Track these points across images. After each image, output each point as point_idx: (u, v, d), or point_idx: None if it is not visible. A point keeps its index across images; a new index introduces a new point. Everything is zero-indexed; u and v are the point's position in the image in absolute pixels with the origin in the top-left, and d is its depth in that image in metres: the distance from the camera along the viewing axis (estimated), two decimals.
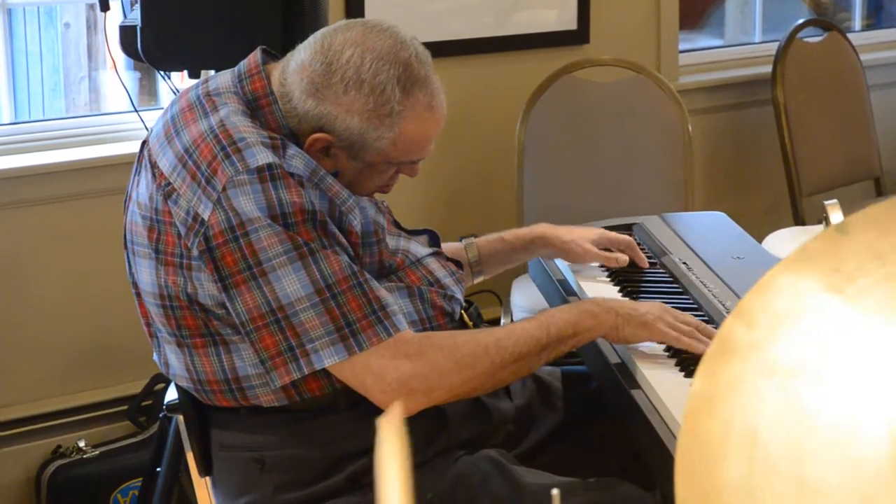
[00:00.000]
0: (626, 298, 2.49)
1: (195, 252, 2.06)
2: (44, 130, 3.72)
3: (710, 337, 2.23)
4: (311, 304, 2.02)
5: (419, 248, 2.29)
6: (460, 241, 2.60)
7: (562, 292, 2.63)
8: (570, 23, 4.25)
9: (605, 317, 2.19)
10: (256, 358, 2.07)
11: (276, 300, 2.02)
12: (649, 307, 2.25)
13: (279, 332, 2.03)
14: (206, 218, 2.04)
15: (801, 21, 4.61)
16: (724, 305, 2.40)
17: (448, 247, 2.52)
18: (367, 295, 2.06)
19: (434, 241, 2.39)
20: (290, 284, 2.02)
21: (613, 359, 2.28)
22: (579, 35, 4.26)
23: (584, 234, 2.63)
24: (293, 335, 2.03)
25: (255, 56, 2.21)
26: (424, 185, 3.93)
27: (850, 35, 4.77)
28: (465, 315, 2.30)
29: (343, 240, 2.09)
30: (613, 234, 2.67)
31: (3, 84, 3.72)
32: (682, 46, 4.57)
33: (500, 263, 2.63)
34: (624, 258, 2.61)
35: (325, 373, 2.08)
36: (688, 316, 2.28)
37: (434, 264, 2.26)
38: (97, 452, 3.62)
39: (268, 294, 2.02)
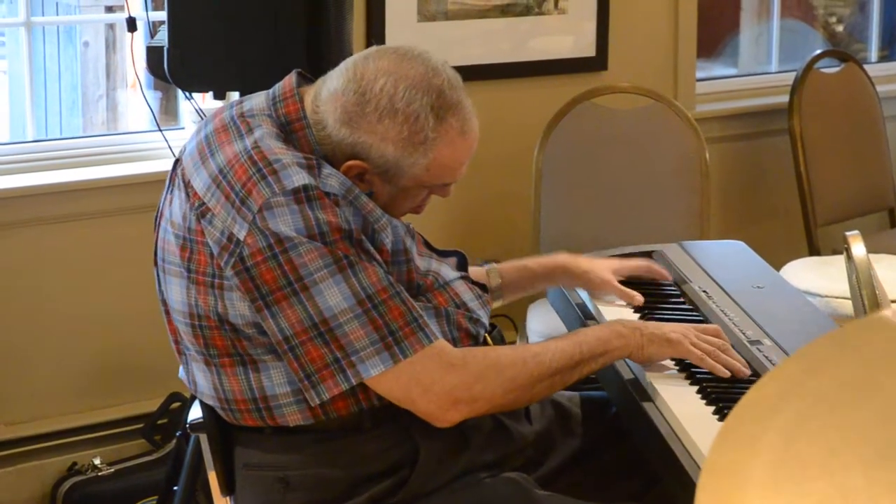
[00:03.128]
0: None
1: (229, 272, 2.07)
2: (67, 148, 3.75)
3: (732, 361, 2.26)
4: (355, 315, 2.05)
5: (448, 271, 2.30)
6: (482, 265, 2.61)
7: (581, 316, 2.64)
8: (588, 49, 4.28)
9: (632, 336, 2.23)
10: (301, 373, 2.07)
11: (318, 314, 2.04)
12: (673, 326, 2.30)
13: (324, 346, 2.05)
14: (241, 238, 2.06)
15: (818, 51, 4.63)
16: (744, 334, 2.41)
17: (470, 271, 2.54)
18: (406, 304, 2.08)
19: (462, 263, 2.41)
20: (333, 297, 2.04)
21: (628, 376, 2.31)
22: (598, 62, 4.28)
23: (603, 265, 2.65)
24: (338, 347, 2.05)
25: (291, 79, 2.23)
26: (443, 208, 3.94)
27: (866, 66, 4.78)
28: (488, 338, 2.32)
29: (377, 256, 2.11)
30: (630, 262, 2.69)
31: (26, 102, 3.75)
32: (697, 75, 4.59)
33: (521, 290, 2.65)
34: (639, 298, 2.61)
35: (352, 391, 2.10)
36: (712, 329, 2.33)
37: (461, 287, 2.28)
38: (112, 470, 3.63)
39: (310, 308, 2.04)
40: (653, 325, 2.28)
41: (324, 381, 2.07)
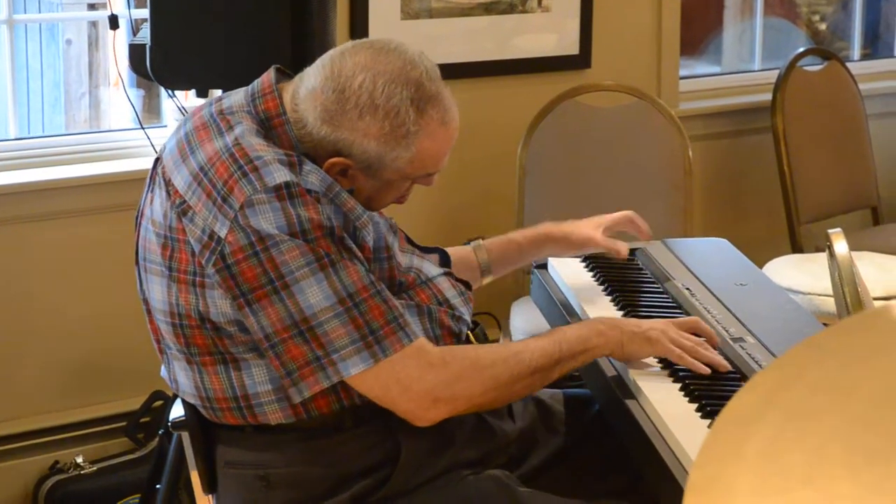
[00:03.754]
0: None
1: (210, 270, 2.07)
2: (49, 146, 3.74)
3: (711, 356, 2.26)
4: (336, 313, 2.05)
5: (431, 267, 2.31)
6: (467, 243, 2.62)
7: (564, 314, 2.64)
8: (571, 47, 4.28)
9: (611, 334, 2.23)
10: (282, 370, 2.07)
11: (299, 312, 2.04)
12: (652, 323, 2.29)
13: (304, 344, 2.05)
14: (222, 236, 2.05)
15: (801, 49, 4.64)
16: (727, 332, 2.41)
17: (456, 251, 2.55)
18: (388, 303, 2.08)
19: (445, 261, 2.41)
20: (314, 295, 2.04)
21: (612, 374, 2.31)
22: (581, 60, 4.28)
23: (585, 223, 2.66)
24: (318, 346, 2.05)
25: (269, 75, 2.22)
26: (426, 206, 3.94)
27: (849, 64, 4.80)
28: (471, 336, 2.32)
29: (359, 253, 2.11)
30: (611, 215, 2.68)
31: (8, 100, 3.74)
32: (680, 73, 4.60)
33: (510, 263, 2.68)
34: (624, 252, 2.63)
35: (333, 389, 2.10)
36: (691, 322, 2.33)
37: (444, 284, 2.28)
38: (95, 468, 3.62)
39: (291, 307, 2.04)
40: (632, 323, 2.28)
41: (304, 379, 2.07)
